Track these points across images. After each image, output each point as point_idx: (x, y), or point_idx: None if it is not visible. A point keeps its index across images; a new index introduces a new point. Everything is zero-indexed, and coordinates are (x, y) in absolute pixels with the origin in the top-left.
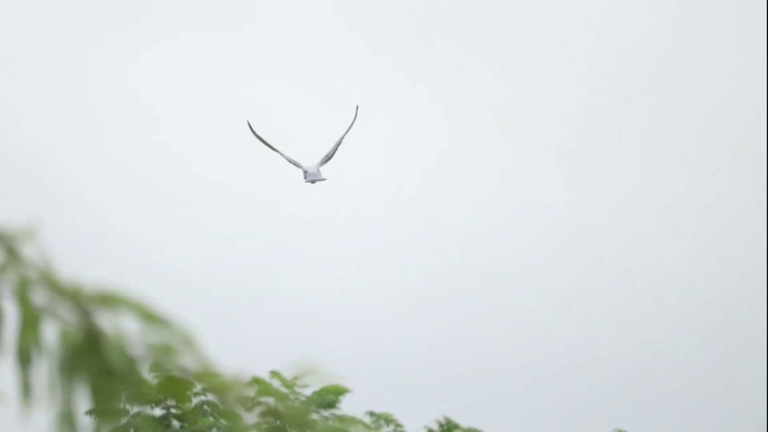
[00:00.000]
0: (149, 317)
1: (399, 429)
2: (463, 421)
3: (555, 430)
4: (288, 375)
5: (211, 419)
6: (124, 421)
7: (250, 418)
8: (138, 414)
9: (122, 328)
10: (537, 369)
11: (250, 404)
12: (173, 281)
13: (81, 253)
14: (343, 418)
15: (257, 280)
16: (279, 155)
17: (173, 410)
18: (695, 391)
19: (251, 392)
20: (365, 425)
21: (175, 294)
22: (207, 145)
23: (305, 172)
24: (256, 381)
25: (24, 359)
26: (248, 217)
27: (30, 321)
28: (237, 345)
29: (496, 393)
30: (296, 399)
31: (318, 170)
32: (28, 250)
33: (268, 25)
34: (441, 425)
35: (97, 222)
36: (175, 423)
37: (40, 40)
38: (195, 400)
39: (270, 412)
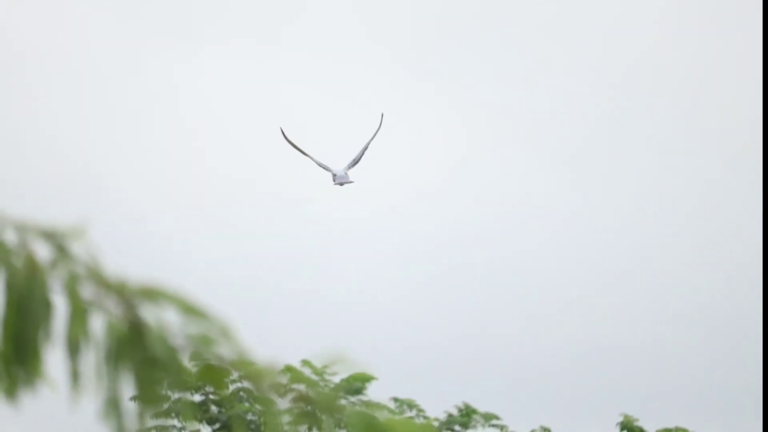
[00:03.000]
0: (189, 310)
1: (421, 413)
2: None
3: (561, 419)
4: (318, 364)
5: (246, 404)
6: (166, 406)
7: (283, 403)
8: (179, 400)
9: (164, 320)
10: (546, 362)
11: (282, 391)
12: (200, 277)
13: (120, 250)
14: (369, 404)
15: (285, 278)
16: (310, 160)
17: (211, 396)
18: (695, 385)
19: (284, 379)
20: (390, 410)
21: (202, 289)
22: (238, 149)
23: (334, 176)
24: (289, 369)
25: (73, 349)
26: (276, 217)
27: (78, 313)
28: (262, 340)
29: (507, 386)
30: (326, 386)
31: (346, 173)
32: (77, 248)
33: (297, 38)
34: (460, 410)
35: (135, 222)
36: (213, 408)
37: (83, 51)
38: (232, 387)
39: (301, 398)
